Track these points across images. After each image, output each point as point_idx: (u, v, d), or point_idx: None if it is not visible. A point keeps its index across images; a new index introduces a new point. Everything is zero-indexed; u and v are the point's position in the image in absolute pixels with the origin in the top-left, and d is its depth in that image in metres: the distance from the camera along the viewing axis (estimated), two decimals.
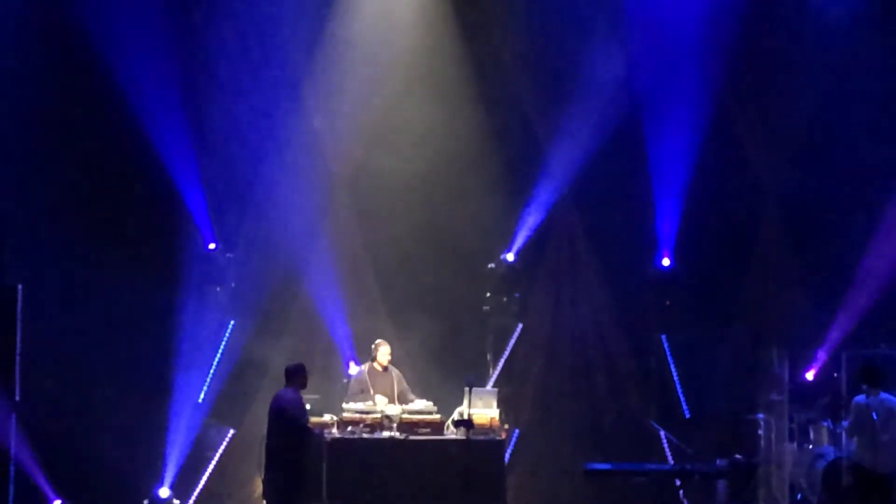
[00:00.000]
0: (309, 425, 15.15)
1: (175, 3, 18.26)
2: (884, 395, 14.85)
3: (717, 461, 17.05)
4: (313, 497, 15.43)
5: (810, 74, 18.35)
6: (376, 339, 16.97)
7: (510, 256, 18.72)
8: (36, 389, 17.06)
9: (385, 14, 18.79)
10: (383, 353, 16.82)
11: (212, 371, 18.24)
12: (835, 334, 17.81)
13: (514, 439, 18.03)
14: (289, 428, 14.83)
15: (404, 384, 16.80)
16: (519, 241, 18.72)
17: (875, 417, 14.61)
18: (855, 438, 15.01)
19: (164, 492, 17.44)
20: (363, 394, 16.51)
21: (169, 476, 17.54)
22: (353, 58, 18.74)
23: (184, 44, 18.20)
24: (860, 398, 14.85)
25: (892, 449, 14.73)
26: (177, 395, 17.91)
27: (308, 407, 15.41)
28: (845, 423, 15.21)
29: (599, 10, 18.54)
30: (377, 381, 16.70)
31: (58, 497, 17.06)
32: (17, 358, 16.60)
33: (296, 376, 15.03)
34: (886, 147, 18.03)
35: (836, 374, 17.30)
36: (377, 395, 16.36)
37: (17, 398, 16.57)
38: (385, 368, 16.81)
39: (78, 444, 17.20)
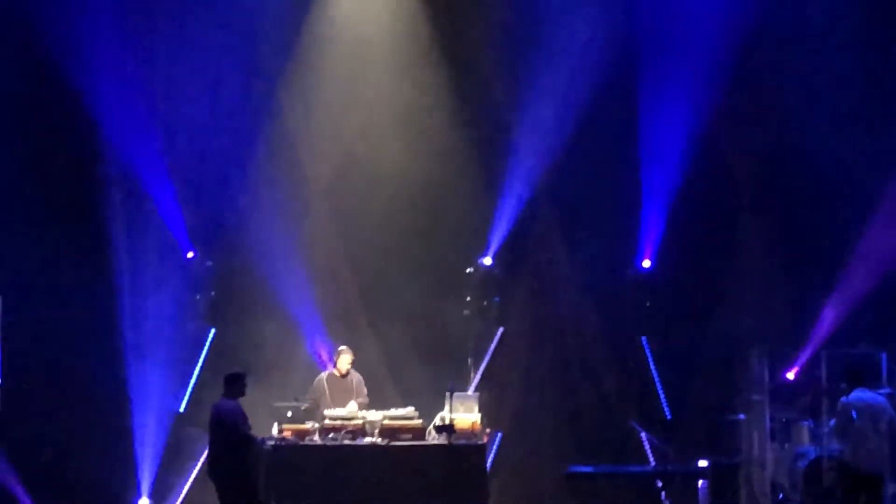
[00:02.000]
0: (250, 433, 15.02)
1: (148, 9, 18.19)
2: (867, 395, 14.85)
3: (699, 462, 17.10)
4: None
5: (787, 76, 18.36)
6: (340, 346, 17.08)
7: (487, 260, 18.73)
8: (12, 399, 17.03)
9: (360, 18, 18.81)
10: (343, 360, 16.96)
11: (193, 380, 18.21)
12: (815, 334, 17.86)
13: (496, 443, 18.03)
14: (228, 438, 14.83)
15: (363, 389, 16.92)
16: (495, 244, 18.72)
17: (854, 416, 14.64)
18: (841, 439, 15.01)
19: (143, 502, 17.40)
20: (318, 402, 16.67)
21: (146, 485, 17.49)
22: (328, 62, 18.76)
23: (157, 51, 18.17)
24: (845, 399, 14.86)
25: (878, 448, 14.77)
26: (157, 404, 17.88)
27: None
28: (832, 423, 15.21)
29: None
30: (335, 387, 16.84)
31: None
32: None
33: (233, 385, 15.05)
34: (868, 147, 18.03)
35: (816, 373, 17.36)
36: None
37: None
38: (345, 375, 16.90)
39: (56, 455, 17.20)
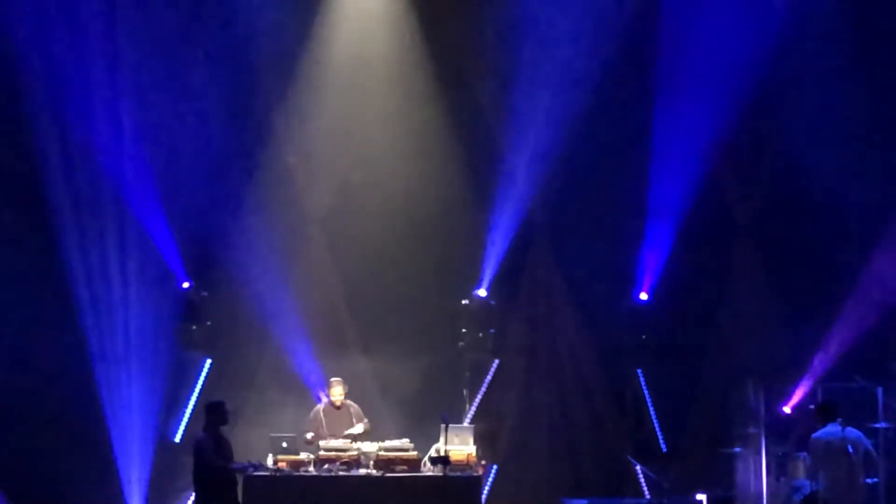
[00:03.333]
0: (216, 462, 14.70)
1: (142, 34, 18.21)
2: (838, 429, 14.76)
3: (694, 495, 17.05)
4: None
5: (788, 111, 18.41)
6: (332, 378, 17.07)
7: (482, 292, 18.72)
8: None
9: (358, 45, 18.87)
10: (335, 392, 16.97)
11: (189, 410, 18.17)
12: (812, 368, 17.84)
13: (491, 475, 17.99)
14: (195, 469, 14.75)
15: (363, 418, 16.91)
16: (489, 276, 18.70)
17: (828, 450, 14.64)
18: (813, 474, 14.99)
19: None
20: (316, 434, 16.66)
21: None
22: (324, 92, 18.80)
23: (151, 78, 18.18)
24: (816, 434, 14.86)
25: (853, 482, 14.73)
26: (152, 433, 17.84)
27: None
28: (806, 461, 15.16)
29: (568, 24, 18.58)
30: (332, 418, 16.86)
31: None
32: None
33: (213, 415, 14.93)
34: (867, 184, 18.04)
35: (811, 407, 17.31)
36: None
37: None
38: (340, 406, 16.89)
39: (46, 483, 17.16)
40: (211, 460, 14.68)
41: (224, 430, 15.01)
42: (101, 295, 17.83)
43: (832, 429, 14.79)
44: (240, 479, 15.25)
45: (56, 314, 17.73)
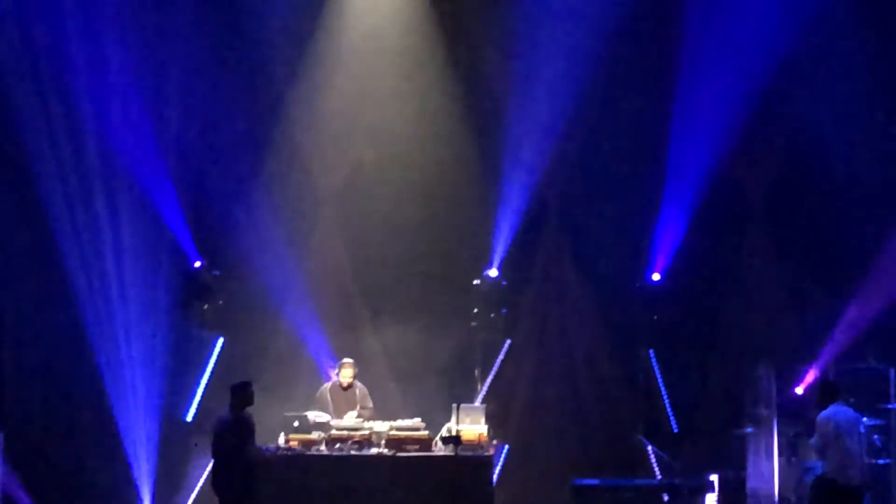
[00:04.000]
0: (233, 446, 14.51)
1: (153, 11, 18.16)
2: (843, 409, 14.89)
3: (706, 476, 17.06)
4: None
5: (802, 92, 18.31)
6: (343, 359, 17.06)
7: (493, 272, 18.71)
8: (17, 407, 17.07)
9: (369, 23, 18.83)
10: (345, 374, 16.94)
11: (201, 389, 18.20)
12: (824, 349, 17.81)
13: (502, 455, 18.00)
14: (229, 452, 14.61)
15: (368, 402, 16.91)
16: (501, 256, 18.67)
17: (835, 431, 14.66)
18: (823, 454, 14.99)
19: None
20: (323, 411, 16.65)
21: (146, 492, 17.47)
22: (336, 72, 18.77)
23: (162, 59, 18.15)
24: (824, 413, 14.87)
25: (860, 462, 14.85)
26: (164, 413, 17.87)
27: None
28: (812, 440, 15.17)
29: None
30: (339, 398, 16.84)
31: None
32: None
33: (241, 395, 14.73)
34: (882, 169, 17.99)
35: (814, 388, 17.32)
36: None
37: None
38: (348, 387, 16.90)
39: (61, 464, 17.21)
40: (227, 443, 14.52)
41: (248, 410, 14.79)
42: (108, 272, 17.79)
43: (838, 409, 14.82)
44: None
45: (60, 293, 17.66)
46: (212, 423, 14.87)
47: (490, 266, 18.71)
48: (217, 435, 14.62)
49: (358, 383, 17.00)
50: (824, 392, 15.09)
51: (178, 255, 18.36)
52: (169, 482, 17.76)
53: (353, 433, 16.07)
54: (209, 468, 16.88)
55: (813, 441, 15.05)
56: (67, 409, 17.62)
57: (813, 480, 15.92)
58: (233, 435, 14.53)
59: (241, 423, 14.65)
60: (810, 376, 17.37)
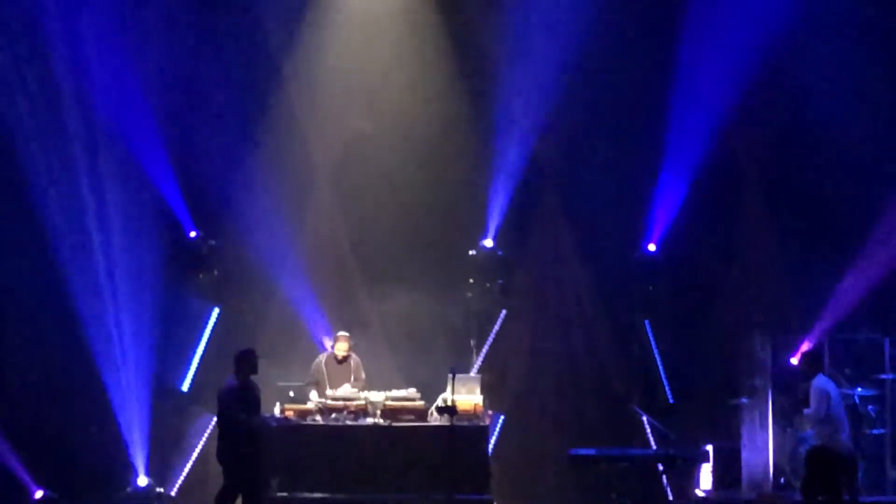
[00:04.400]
0: (240, 415, 14.38)
1: None
2: (826, 378, 15.05)
3: (701, 446, 17.10)
4: (293, 483, 15.50)
5: (801, 58, 18.27)
6: (339, 332, 17.07)
7: (489, 242, 18.70)
8: (11, 377, 17.12)
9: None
10: (340, 347, 16.97)
11: (196, 359, 18.21)
12: (819, 320, 17.82)
13: (498, 425, 18.04)
14: (218, 418, 14.63)
15: (361, 374, 16.92)
16: (496, 227, 18.67)
17: (830, 399, 14.72)
18: (822, 423, 15.01)
19: (142, 480, 17.38)
20: (318, 384, 16.70)
21: (140, 464, 17.49)
22: (333, 40, 18.74)
23: (158, 30, 18.10)
24: (818, 383, 14.89)
25: (850, 430, 15.03)
26: (159, 383, 17.88)
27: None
28: (807, 412, 15.18)
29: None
30: (333, 370, 16.87)
31: (39, 488, 17.02)
32: None
33: (243, 363, 14.58)
34: (879, 136, 17.96)
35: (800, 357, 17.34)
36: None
37: None
38: (343, 359, 16.92)
39: (56, 434, 17.24)
40: (236, 411, 14.38)
41: (253, 378, 14.69)
42: (103, 242, 17.77)
43: (826, 378, 14.97)
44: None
45: (52, 263, 17.61)
46: (218, 389, 14.66)
47: (486, 236, 18.71)
48: (222, 401, 14.48)
49: (353, 355, 17.01)
50: (810, 362, 15.17)
51: (174, 225, 18.35)
52: (163, 453, 17.75)
53: (348, 403, 16.10)
54: (205, 437, 16.97)
55: (810, 410, 15.06)
56: (60, 380, 17.60)
57: (807, 450, 15.95)
58: (238, 401, 14.41)
59: (247, 389, 14.53)
60: (805, 347, 17.37)
